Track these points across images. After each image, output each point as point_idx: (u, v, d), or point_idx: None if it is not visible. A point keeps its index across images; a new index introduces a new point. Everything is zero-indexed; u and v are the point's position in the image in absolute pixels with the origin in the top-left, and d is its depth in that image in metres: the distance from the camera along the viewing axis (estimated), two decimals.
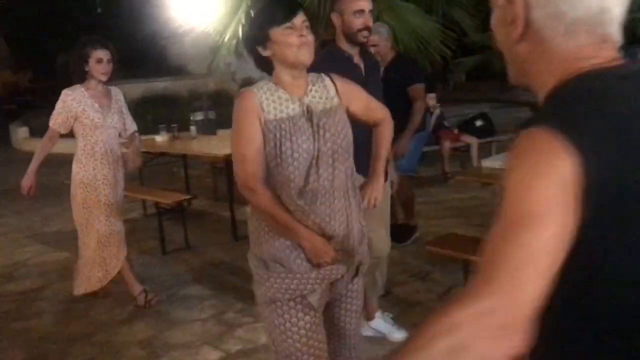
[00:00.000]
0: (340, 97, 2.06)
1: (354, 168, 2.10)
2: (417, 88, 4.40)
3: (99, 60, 3.63)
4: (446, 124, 7.08)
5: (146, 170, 7.21)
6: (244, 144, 1.95)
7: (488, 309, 0.75)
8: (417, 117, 4.36)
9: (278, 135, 1.92)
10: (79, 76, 3.70)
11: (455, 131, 7.17)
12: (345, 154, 2.02)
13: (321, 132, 1.95)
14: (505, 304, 0.75)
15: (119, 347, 3.40)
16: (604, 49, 0.88)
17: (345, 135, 2.01)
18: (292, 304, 1.98)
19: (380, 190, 2.28)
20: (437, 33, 7.10)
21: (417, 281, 4.10)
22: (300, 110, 1.96)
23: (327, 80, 2.07)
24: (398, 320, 3.50)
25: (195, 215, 6.03)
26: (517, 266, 0.77)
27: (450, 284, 3.94)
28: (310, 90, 2.01)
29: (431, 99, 6.03)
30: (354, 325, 2.22)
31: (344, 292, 2.16)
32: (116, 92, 3.88)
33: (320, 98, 2.02)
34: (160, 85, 12.04)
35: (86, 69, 3.65)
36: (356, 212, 2.09)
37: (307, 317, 1.99)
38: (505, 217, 0.80)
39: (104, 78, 3.68)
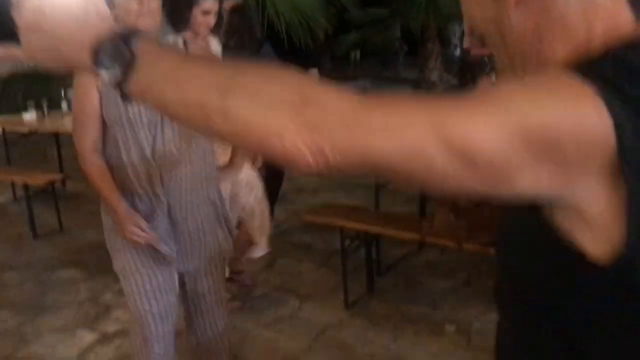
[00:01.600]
0: None
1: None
2: None
3: None
4: None
5: (14, 151, 6.76)
6: (79, 113, 2.02)
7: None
8: None
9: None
10: None
11: None
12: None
13: None
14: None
15: None
16: (624, 12, 0.67)
17: None
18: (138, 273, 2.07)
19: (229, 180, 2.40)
20: (318, 8, 7.13)
21: (299, 249, 4.17)
22: None
23: (180, 41, 2.14)
24: (281, 289, 3.56)
25: (70, 197, 5.71)
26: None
27: (331, 251, 4.05)
28: None
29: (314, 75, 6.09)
30: (217, 320, 2.27)
31: (199, 289, 2.21)
32: None
33: None
34: None
35: None
36: (209, 188, 2.15)
37: (154, 282, 2.07)
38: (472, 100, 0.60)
39: None
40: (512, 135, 0.56)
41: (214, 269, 2.22)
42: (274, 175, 4.69)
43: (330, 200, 5.28)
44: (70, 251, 4.42)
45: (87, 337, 3.12)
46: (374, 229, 3.14)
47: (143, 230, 1.98)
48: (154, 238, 2.00)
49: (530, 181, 0.58)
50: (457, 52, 14.36)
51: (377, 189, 3.69)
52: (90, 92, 1.95)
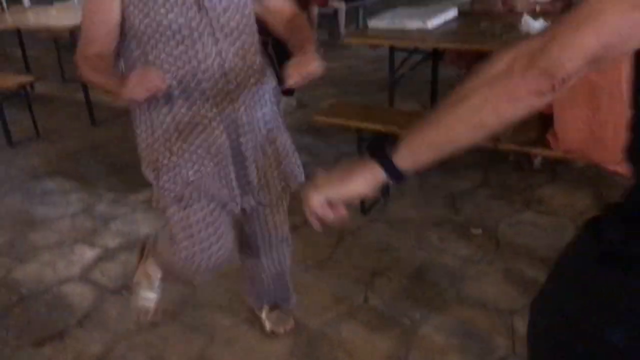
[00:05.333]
0: None
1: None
2: None
3: None
4: None
5: None
6: (89, 18, 1.64)
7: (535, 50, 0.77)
8: None
9: (149, 3, 1.56)
10: None
11: None
12: (237, 34, 1.67)
13: (203, 1, 1.60)
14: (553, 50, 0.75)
15: None
16: None
17: (238, 11, 1.65)
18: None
19: (314, 62, 1.57)
20: None
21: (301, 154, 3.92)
22: None
23: None
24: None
25: (42, 100, 5.29)
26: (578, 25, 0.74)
27: (337, 155, 3.82)
28: None
29: None
30: (279, 231, 2.04)
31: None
32: None
33: None
34: None
35: None
36: (264, 110, 1.80)
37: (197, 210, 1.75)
38: None
39: None
40: None
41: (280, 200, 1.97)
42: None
43: (324, 99, 5.01)
44: (52, 159, 4.10)
45: (88, 253, 2.90)
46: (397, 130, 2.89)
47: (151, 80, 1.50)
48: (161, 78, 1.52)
49: None
50: None
51: (392, 85, 3.41)
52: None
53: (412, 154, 0.88)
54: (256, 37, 1.74)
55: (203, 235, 1.74)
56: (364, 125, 2.94)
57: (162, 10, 1.56)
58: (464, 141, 0.86)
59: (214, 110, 1.68)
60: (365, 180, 0.90)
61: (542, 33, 0.78)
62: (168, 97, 1.66)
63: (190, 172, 1.70)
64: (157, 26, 1.58)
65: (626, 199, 0.87)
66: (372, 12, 6.93)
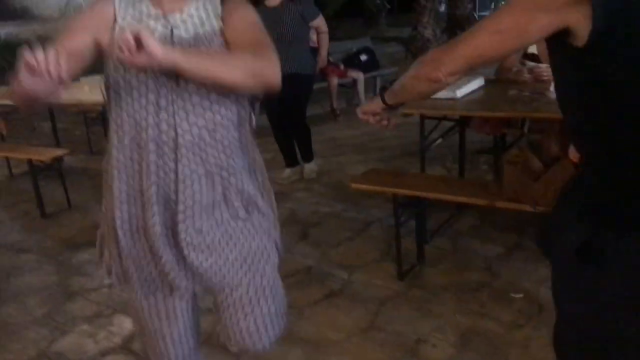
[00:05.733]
0: (224, 20, 1.56)
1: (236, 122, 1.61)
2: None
3: None
4: (331, 59, 6.90)
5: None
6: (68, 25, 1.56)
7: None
8: None
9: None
10: None
11: (341, 66, 7.03)
12: (207, 100, 1.53)
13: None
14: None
15: (14, 329, 2.92)
16: None
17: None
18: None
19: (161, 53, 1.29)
20: None
21: (332, 219, 3.97)
22: (162, 32, 1.52)
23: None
24: (321, 260, 3.36)
25: (72, 172, 5.40)
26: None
27: (368, 220, 3.86)
28: (189, 9, 1.55)
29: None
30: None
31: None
32: None
33: (198, 19, 1.55)
34: (2, 31, 10.62)
35: None
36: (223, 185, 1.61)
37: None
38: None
39: None
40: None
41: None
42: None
43: (348, 166, 5.10)
44: (85, 230, 4.14)
45: (127, 323, 2.89)
46: (442, 196, 2.92)
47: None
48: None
49: (539, 27, 1.06)
50: (443, 7, 14.08)
51: (423, 151, 3.48)
52: (104, 8, 1.54)
53: (389, 98, 1.48)
54: (234, 111, 1.58)
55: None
56: (401, 191, 2.98)
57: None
58: (408, 99, 1.47)
59: (154, 187, 1.54)
60: (376, 103, 1.52)
61: (448, 41, 1.25)
62: (128, 163, 1.57)
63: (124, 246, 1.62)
64: (122, 82, 1.52)
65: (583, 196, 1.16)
66: (389, 81, 7.15)
